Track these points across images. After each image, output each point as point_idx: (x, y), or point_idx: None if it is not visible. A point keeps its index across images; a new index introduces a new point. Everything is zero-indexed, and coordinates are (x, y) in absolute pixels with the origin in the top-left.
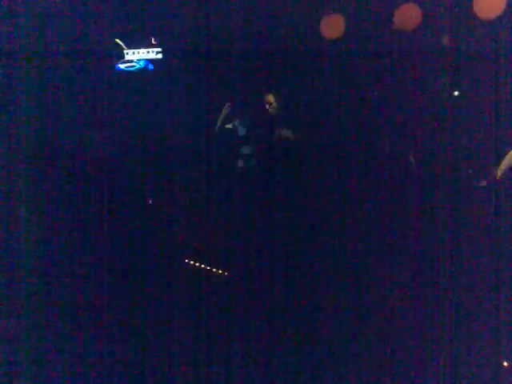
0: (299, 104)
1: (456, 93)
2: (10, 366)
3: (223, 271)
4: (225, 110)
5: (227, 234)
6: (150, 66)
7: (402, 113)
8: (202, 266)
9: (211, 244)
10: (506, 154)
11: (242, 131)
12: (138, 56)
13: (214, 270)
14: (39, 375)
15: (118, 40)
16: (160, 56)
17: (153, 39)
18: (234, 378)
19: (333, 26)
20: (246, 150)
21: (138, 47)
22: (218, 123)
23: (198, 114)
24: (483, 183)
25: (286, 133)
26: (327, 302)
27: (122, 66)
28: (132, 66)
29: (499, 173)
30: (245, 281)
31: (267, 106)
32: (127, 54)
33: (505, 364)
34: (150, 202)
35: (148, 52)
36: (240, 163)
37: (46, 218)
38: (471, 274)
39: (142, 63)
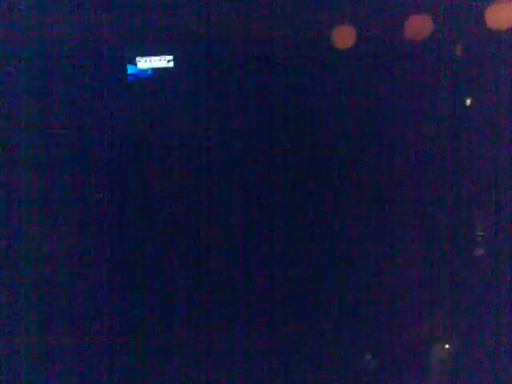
0: (310, 111)
1: (468, 102)
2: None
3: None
4: None
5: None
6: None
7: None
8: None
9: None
10: None
11: None
12: (149, 64)
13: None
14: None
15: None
16: (171, 64)
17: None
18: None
19: (344, 36)
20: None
21: (150, 55)
22: None
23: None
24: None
25: None
26: (327, 300)
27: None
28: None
29: None
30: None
31: None
32: (139, 61)
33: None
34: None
35: (160, 60)
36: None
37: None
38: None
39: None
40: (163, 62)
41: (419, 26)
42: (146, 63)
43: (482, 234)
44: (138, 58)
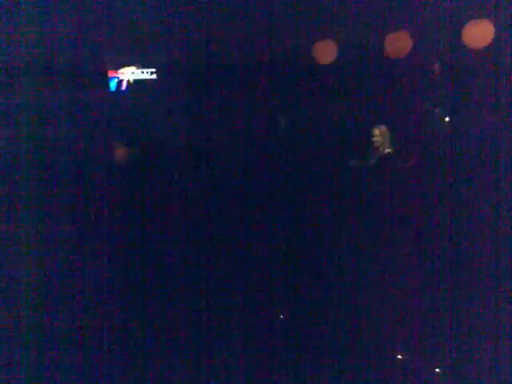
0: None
1: (447, 119)
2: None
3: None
4: None
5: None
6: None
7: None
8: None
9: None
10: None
11: None
12: (132, 76)
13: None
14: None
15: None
16: (154, 76)
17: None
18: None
19: (325, 52)
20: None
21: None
22: None
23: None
24: None
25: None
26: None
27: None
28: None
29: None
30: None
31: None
32: (122, 73)
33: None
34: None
35: (142, 72)
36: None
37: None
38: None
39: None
40: (146, 74)
41: (399, 43)
42: (128, 75)
43: None
44: (119, 70)
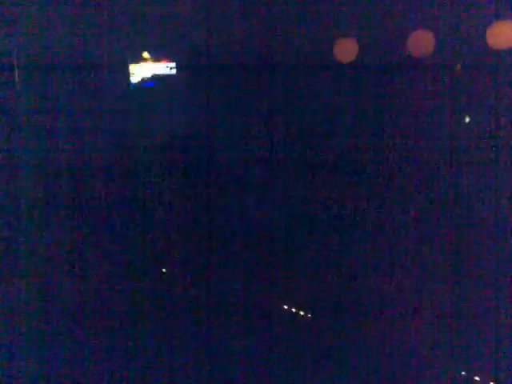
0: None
1: (467, 119)
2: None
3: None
4: None
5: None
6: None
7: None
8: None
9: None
10: None
11: None
12: (150, 71)
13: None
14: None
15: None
16: (174, 71)
17: None
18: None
19: (346, 50)
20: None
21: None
22: None
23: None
24: None
25: None
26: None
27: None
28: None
29: None
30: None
31: None
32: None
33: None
34: None
35: (167, 67)
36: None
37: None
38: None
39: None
40: (167, 68)
41: (422, 42)
42: (145, 71)
43: None
44: (136, 65)
